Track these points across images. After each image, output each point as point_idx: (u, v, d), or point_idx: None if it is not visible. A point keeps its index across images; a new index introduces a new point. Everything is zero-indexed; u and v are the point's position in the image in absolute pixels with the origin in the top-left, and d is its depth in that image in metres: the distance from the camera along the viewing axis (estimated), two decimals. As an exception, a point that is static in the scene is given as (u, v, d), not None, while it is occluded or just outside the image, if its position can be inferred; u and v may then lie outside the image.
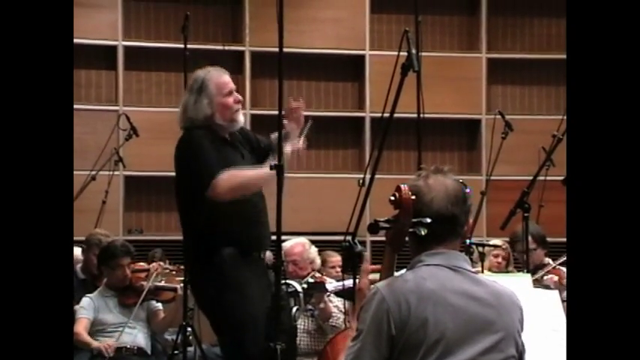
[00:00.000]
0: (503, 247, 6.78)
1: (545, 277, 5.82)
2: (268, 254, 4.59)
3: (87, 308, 5.96)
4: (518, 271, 6.32)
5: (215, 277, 4.25)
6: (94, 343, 5.82)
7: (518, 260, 6.54)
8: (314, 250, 6.54)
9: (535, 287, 4.37)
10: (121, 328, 5.90)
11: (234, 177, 4.26)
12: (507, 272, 6.65)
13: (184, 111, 4.41)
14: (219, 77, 4.43)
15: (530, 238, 5.97)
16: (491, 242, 6.87)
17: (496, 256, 6.92)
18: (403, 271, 2.65)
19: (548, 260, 6.26)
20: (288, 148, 4.53)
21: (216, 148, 4.34)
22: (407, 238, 2.64)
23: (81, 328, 5.89)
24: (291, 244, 6.43)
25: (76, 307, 6.03)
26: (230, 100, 4.42)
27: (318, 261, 6.50)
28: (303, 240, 6.58)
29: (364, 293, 2.66)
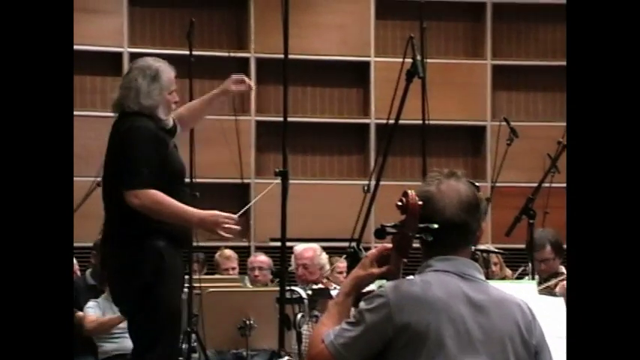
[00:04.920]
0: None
1: (558, 287, 5.75)
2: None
3: (94, 308, 6.01)
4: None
5: (156, 262, 4.16)
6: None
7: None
8: (325, 256, 6.59)
9: (540, 294, 4.37)
10: (125, 333, 5.91)
11: (161, 204, 4.14)
12: (503, 279, 6.62)
13: (136, 94, 4.29)
14: (171, 72, 4.40)
15: (549, 247, 5.92)
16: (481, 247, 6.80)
17: (495, 263, 6.90)
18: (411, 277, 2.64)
19: (562, 268, 6.21)
20: (232, 87, 4.57)
21: (162, 142, 4.25)
22: (416, 244, 2.63)
23: (94, 317, 5.95)
24: (303, 247, 6.50)
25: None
26: (173, 98, 4.38)
27: (328, 267, 6.54)
28: (315, 245, 6.64)
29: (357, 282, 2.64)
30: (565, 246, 6.14)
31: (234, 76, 4.65)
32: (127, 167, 4.16)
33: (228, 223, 4.20)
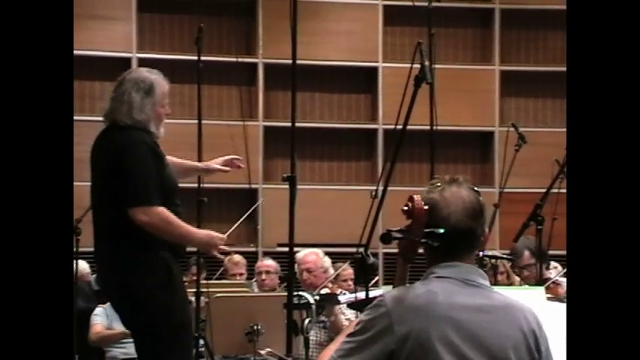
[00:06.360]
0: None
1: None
2: None
3: (101, 316, 6.03)
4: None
5: (164, 275, 4.12)
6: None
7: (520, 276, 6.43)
8: (327, 259, 6.61)
9: (548, 299, 4.36)
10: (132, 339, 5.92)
11: (171, 224, 4.10)
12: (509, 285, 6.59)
13: (129, 109, 4.19)
14: (165, 85, 4.29)
15: (527, 253, 5.89)
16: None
17: (502, 272, 6.88)
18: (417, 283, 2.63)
19: (551, 272, 6.19)
20: (215, 168, 4.60)
21: (160, 158, 4.21)
22: (421, 250, 2.63)
23: (99, 328, 6.00)
24: (304, 253, 6.53)
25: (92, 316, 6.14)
26: (165, 110, 4.30)
27: (332, 271, 6.56)
28: (317, 250, 6.66)
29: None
30: (548, 252, 6.11)
31: (222, 159, 4.63)
32: (132, 184, 4.06)
33: (221, 245, 4.24)
